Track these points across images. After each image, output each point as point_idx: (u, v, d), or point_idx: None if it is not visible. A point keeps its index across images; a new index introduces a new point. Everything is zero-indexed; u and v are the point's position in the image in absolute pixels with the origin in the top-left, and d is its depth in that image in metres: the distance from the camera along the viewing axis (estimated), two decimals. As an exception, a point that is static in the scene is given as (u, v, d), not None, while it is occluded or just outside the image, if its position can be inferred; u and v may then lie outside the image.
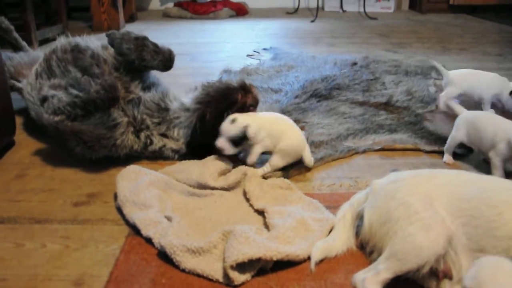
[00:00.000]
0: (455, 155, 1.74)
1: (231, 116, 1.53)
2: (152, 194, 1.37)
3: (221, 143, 1.52)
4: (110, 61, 1.72)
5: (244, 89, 1.62)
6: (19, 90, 1.99)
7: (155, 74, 1.87)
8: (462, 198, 1.07)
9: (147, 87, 1.76)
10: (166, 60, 1.74)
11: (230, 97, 1.58)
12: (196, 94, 1.67)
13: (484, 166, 1.62)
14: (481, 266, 0.95)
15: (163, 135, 1.70)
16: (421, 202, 1.08)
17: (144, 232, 1.24)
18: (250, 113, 1.60)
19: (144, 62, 1.70)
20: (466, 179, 1.14)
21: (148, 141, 1.69)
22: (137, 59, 1.69)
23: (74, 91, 1.53)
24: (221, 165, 1.52)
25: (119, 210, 1.38)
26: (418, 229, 1.04)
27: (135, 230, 1.28)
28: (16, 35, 2.40)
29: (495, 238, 1.00)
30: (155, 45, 1.73)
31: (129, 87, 1.71)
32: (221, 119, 1.55)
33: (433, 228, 1.03)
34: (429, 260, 1.02)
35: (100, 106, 1.50)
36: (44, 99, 1.57)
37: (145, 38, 1.73)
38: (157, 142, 1.69)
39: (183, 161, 1.61)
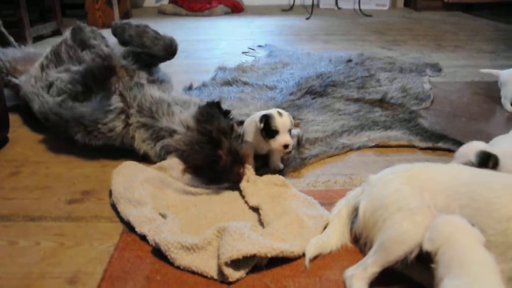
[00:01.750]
0: (449, 151, 1.75)
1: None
2: (147, 192, 1.37)
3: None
4: (118, 50, 1.74)
5: (235, 160, 1.45)
6: (16, 87, 1.97)
7: (165, 72, 1.88)
8: (460, 183, 1.09)
9: (153, 81, 1.76)
10: (167, 46, 1.75)
11: (216, 165, 1.43)
12: (190, 120, 1.57)
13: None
14: (437, 228, 1.00)
15: (144, 142, 1.63)
16: (413, 190, 1.10)
17: (139, 229, 1.23)
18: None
19: (146, 48, 1.72)
20: (464, 168, 1.18)
21: (134, 141, 1.65)
22: (138, 46, 1.71)
23: (75, 68, 1.58)
24: None
25: (114, 207, 1.37)
26: (405, 215, 1.06)
27: (129, 227, 1.27)
28: (3, 29, 2.37)
29: (493, 220, 1.01)
30: (156, 32, 1.75)
31: (134, 75, 1.71)
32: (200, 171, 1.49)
33: (419, 213, 1.05)
34: (415, 245, 1.03)
35: (97, 75, 1.53)
36: (50, 85, 1.60)
37: (146, 26, 1.75)
38: (139, 149, 1.64)
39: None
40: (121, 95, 1.63)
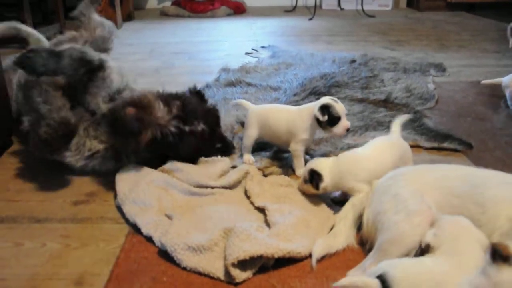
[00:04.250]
0: (455, 151, 1.75)
1: None
2: (152, 193, 1.36)
3: None
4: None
5: (139, 106, 1.41)
6: None
7: (122, 78, 1.69)
8: (453, 194, 1.09)
9: (111, 98, 1.59)
10: (71, 65, 1.51)
11: (127, 130, 1.40)
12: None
13: (482, 160, 1.62)
14: (443, 226, 1.01)
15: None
16: (411, 193, 1.10)
17: (145, 230, 1.23)
18: None
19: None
20: (462, 173, 1.16)
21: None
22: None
23: (37, 128, 1.46)
24: (220, 167, 1.51)
25: (119, 208, 1.37)
26: (402, 216, 1.06)
27: (135, 228, 1.27)
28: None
29: None
30: (53, 53, 1.52)
31: (89, 107, 1.56)
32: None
33: (417, 214, 1.05)
34: (412, 246, 1.02)
35: (54, 145, 1.45)
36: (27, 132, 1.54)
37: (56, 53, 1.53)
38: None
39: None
40: (95, 137, 1.53)
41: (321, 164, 1.36)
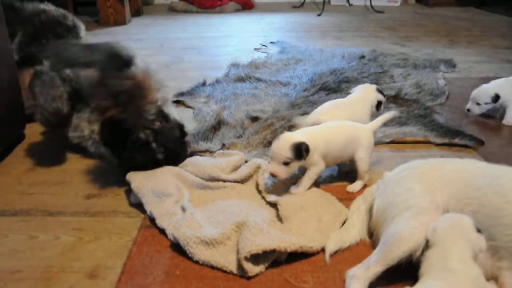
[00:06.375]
0: (466, 147, 1.74)
1: None
2: (170, 183, 1.37)
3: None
4: None
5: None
6: None
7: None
8: (472, 186, 1.07)
9: None
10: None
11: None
12: None
13: (494, 157, 1.62)
14: (442, 222, 1.01)
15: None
16: (424, 189, 1.10)
17: (159, 222, 1.24)
18: None
19: None
20: (478, 166, 1.15)
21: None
22: None
23: None
24: (234, 161, 1.52)
25: (131, 202, 1.38)
26: (412, 213, 1.05)
27: (150, 218, 1.29)
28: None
29: (504, 227, 0.99)
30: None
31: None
32: None
33: (426, 212, 1.05)
34: (418, 244, 1.01)
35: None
36: None
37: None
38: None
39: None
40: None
41: (294, 137, 1.33)
